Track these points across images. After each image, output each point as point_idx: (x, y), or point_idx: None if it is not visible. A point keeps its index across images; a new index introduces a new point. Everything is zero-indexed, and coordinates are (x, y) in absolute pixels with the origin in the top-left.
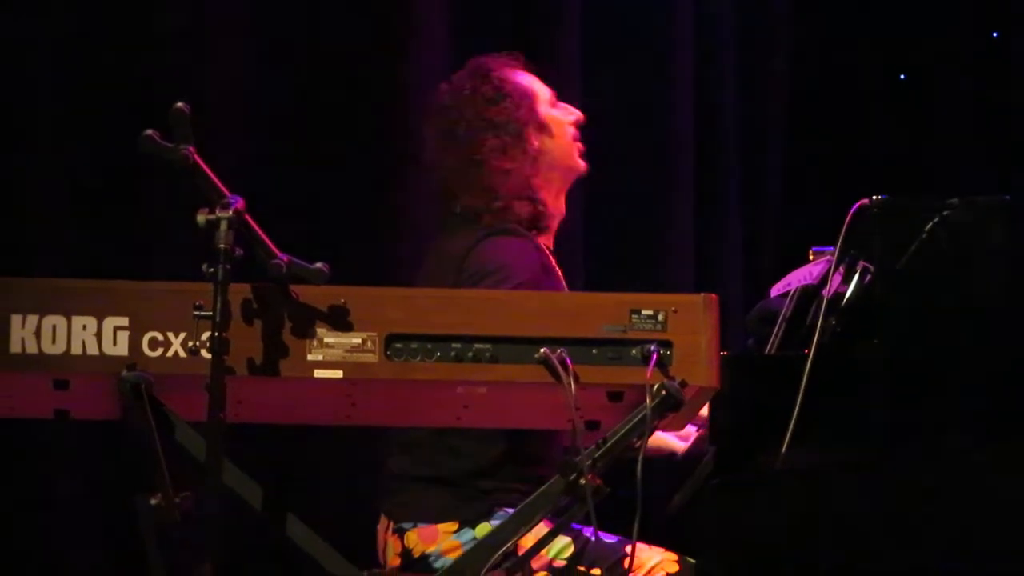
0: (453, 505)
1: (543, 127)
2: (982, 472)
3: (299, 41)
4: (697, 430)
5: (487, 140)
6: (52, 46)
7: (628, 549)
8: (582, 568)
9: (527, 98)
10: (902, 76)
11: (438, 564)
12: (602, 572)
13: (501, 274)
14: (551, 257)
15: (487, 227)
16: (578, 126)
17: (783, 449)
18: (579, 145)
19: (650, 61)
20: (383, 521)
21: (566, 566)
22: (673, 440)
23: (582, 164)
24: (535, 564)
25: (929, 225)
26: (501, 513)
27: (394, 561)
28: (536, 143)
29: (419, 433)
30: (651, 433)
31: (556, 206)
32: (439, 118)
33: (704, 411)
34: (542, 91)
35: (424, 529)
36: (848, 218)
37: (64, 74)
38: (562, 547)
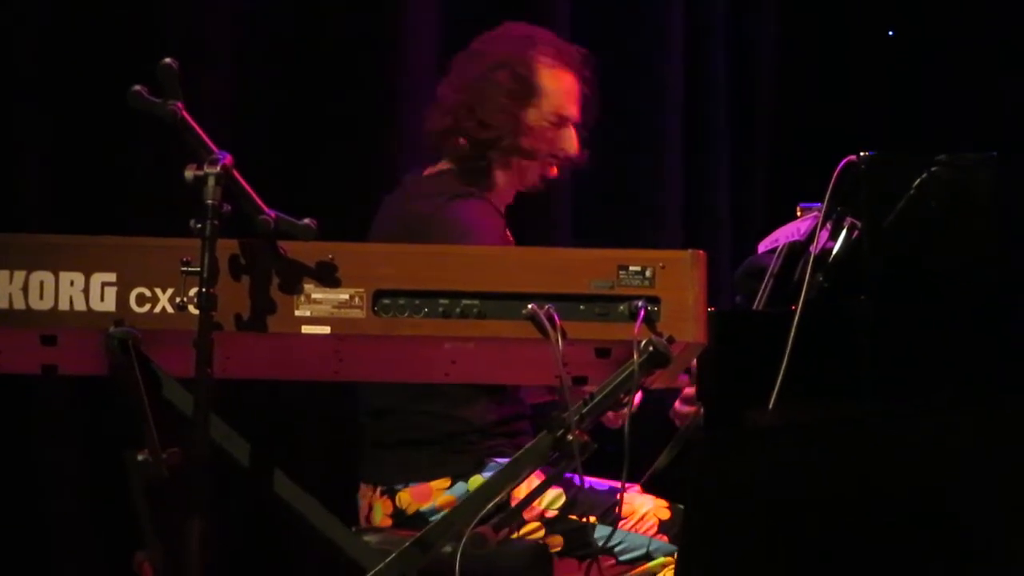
0: (443, 461)
1: (518, 121)
2: (967, 430)
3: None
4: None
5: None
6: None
7: (619, 496)
8: (574, 517)
9: (527, 85)
10: (891, 32)
11: (434, 519)
12: (598, 518)
13: (469, 237)
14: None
15: (450, 191)
16: (565, 159)
17: (771, 405)
18: (545, 168)
19: (640, 21)
20: (365, 488)
21: (558, 516)
22: None
23: (532, 180)
24: (527, 515)
25: (917, 181)
26: (493, 464)
27: (384, 522)
28: (500, 122)
29: (390, 400)
30: (638, 390)
31: (498, 185)
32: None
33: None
34: (552, 98)
35: (416, 488)
36: (836, 174)
37: (50, 31)
38: (553, 497)
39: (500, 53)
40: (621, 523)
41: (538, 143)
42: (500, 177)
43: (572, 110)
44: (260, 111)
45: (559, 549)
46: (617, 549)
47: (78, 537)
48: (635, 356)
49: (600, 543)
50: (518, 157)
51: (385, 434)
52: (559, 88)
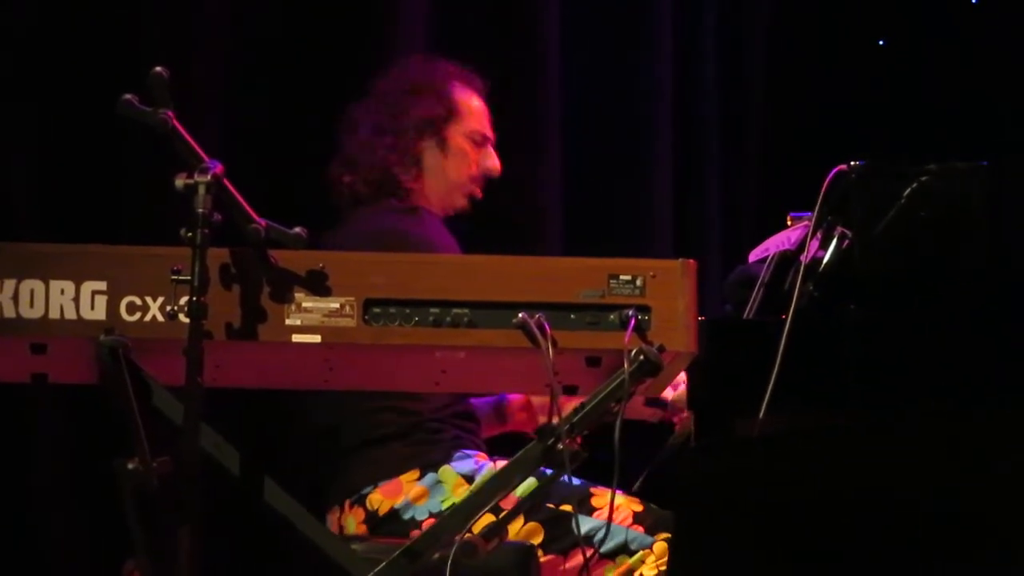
0: (411, 455)
1: (444, 144)
2: (958, 437)
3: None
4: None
5: (389, 118)
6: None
7: (593, 490)
8: (551, 505)
9: (448, 107)
10: (881, 42)
11: (408, 514)
12: (574, 508)
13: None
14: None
15: (396, 205)
16: (489, 176)
17: (761, 414)
18: (474, 189)
19: (628, 26)
20: (332, 513)
21: (535, 504)
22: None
23: (461, 203)
24: (504, 504)
25: (907, 190)
26: (460, 454)
27: (360, 531)
28: (423, 148)
29: (342, 408)
30: (629, 398)
31: (433, 205)
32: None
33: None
34: (472, 119)
35: (386, 485)
36: (826, 183)
37: (37, 37)
38: (528, 485)
39: (414, 81)
40: (596, 514)
41: (464, 163)
42: (432, 203)
43: (488, 130)
44: (249, 118)
45: (539, 541)
46: (596, 539)
47: (69, 546)
48: (626, 365)
49: (579, 533)
50: (445, 179)
51: (346, 441)
52: (475, 109)
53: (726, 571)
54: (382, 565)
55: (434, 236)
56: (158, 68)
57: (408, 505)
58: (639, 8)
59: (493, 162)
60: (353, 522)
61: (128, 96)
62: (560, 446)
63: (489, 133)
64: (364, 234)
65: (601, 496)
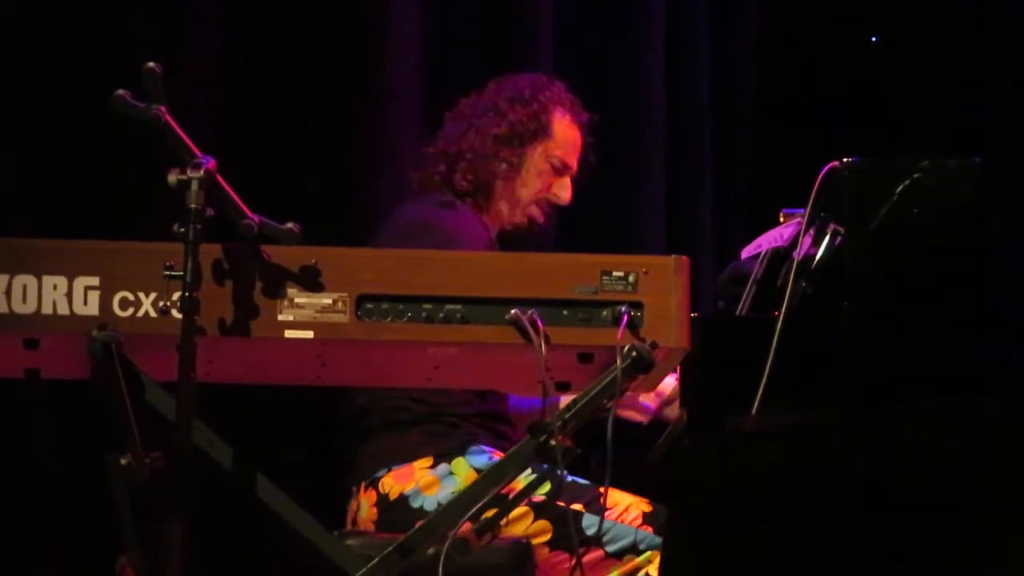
0: (426, 442)
1: (521, 159)
2: (950, 435)
3: None
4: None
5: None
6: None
7: (601, 490)
8: (562, 503)
9: (540, 126)
10: (874, 38)
11: (417, 503)
12: (584, 506)
13: (456, 244)
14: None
15: (443, 199)
16: (552, 205)
17: (754, 411)
18: (535, 211)
19: (622, 31)
20: (353, 493)
21: (545, 501)
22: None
23: (519, 219)
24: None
25: (900, 187)
26: (475, 448)
27: (371, 513)
28: (513, 161)
29: (371, 393)
30: (621, 395)
31: (488, 214)
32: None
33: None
34: (559, 145)
35: (399, 470)
36: (819, 180)
37: (31, 32)
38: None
39: (517, 90)
40: (606, 514)
41: (535, 182)
42: (494, 207)
43: (573, 161)
44: (243, 115)
45: (548, 538)
46: (605, 539)
47: (61, 540)
48: (618, 361)
49: (588, 532)
50: (513, 191)
51: (370, 423)
52: (568, 138)
53: (717, 569)
54: (375, 561)
55: (462, 227)
56: (151, 64)
57: (417, 493)
58: (632, 3)
59: (565, 192)
60: (366, 504)
61: (121, 91)
62: (553, 442)
63: (572, 164)
64: (398, 227)
65: (610, 496)
